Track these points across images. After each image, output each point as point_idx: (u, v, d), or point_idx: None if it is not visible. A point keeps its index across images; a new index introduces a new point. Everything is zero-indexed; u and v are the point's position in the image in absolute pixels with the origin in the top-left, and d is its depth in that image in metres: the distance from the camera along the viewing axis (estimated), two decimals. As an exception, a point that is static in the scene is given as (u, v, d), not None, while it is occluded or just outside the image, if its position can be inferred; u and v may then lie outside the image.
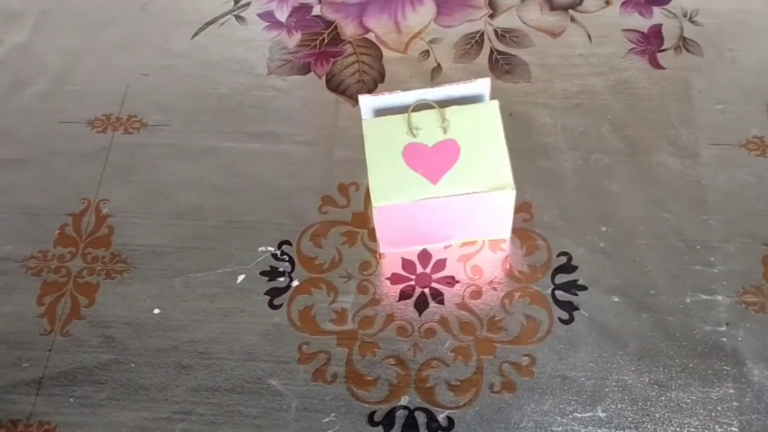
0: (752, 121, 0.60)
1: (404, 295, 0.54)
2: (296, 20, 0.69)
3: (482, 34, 0.67)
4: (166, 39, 0.69)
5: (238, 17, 0.70)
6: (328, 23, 0.69)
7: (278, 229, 0.57)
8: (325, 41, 0.68)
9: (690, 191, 0.57)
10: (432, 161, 0.51)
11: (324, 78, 0.65)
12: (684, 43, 0.65)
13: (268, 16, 0.70)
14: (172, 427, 0.50)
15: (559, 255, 0.55)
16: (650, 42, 0.65)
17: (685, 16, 0.66)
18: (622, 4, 0.68)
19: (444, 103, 0.52)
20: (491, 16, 0.68)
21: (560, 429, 0.48)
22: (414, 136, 0.51)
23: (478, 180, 0.50)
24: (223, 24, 0.70)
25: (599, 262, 0.54)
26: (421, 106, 0.51)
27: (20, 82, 0.67)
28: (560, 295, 0.53)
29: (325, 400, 0.50)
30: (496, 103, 0.52)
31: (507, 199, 0.51)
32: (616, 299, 0.52)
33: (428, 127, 0.51)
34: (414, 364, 0.51)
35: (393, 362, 0.51)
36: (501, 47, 0.66)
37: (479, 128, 0.51)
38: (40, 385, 0.52)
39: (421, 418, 0.49)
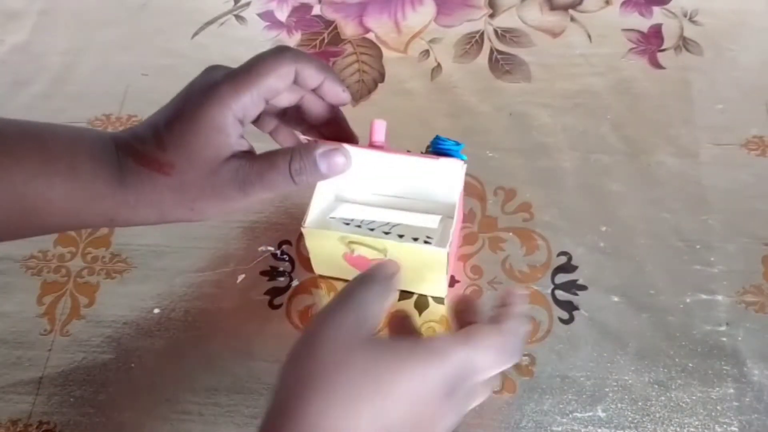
0: (752, 121, 0.60)
1: (404, 296, 0.54)
2: (296, 20, 0.69)
3: (482, 33, 0.67)
4: (166, 39, 0.69)
5: (238, 17, 0.70)
6: (328, 23, 0.69)
7: (278, 229, 0.57)
8: (325, 41, 0.68)
9: (690, 191, 0.57)
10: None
11: (324, 78, 0.65)
12: (684, 43, 0.65)
13: (268, 16, 0.70)
14: (172, 427, 0.50)
15: (559, 255, 0.55)
16: (650, 42, 0.65)
17: (685, 15, 0.66)
18: (622, 3, 0.68)
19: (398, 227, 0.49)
20: (491, 16, 0.68)
21: (560, 429, 0.48)
22: (352, 252, 0.49)
23: (415, 284, 0.52)
24: (223, 24, 0.70)
25: (599, 262, 0.54)
26: (362, 241, 0.48)
27: (20, 82, 0.67)
28: (560, 294, 0.53)
29: (325, 400, 0.50)
30: (444, 251, 0.48)
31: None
32: (616, 299, 0.52)
33: (367, 250, 0.49)
34: (414, 364, 0.51)
35: (393, 362, 0.51)
36: (501, 47, 0.66)
37: (422, 262, 0.49)
38: (40, 384, 0.52)
39: (421, 418, 0.49)
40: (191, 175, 0.43)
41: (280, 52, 0.45)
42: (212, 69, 0.46)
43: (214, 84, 0.44)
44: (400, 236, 0.49)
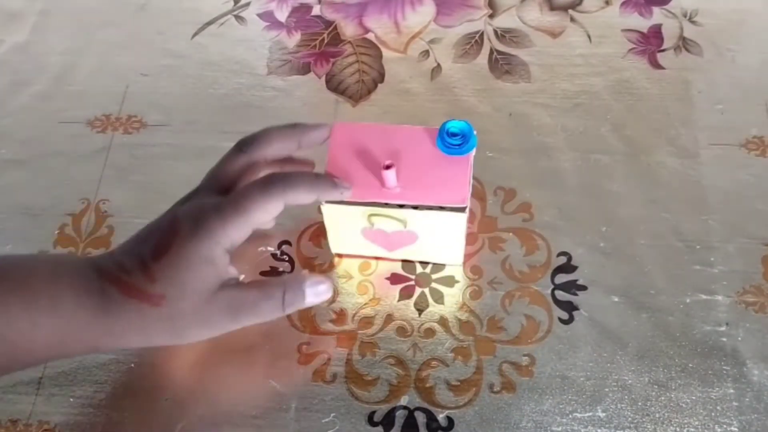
0: (752, 121, 0.60)
1: (404, 295, 0.54)
2: (296, 20, 0.69)
3: (482, 34, 0.67)
4: (166, 39, 0.69)
5: (237, 17, 0.70)
6: (328, 23, 0.69)
7: (278, 229, 0.57)
8: (325, 41, 0.68)
9: (690, 191, 0.57)
10: (389, 239, 0.52)
11: (324, 78, 0.65)
12: (684, 43, 0.65)
13: (267, 16, 0.70)
14: (172, 427, 0.50)
15: (558, 255, 0.55)
16: (650, 42, 0.65)
17: (685, 16, 0.66)
18: (622, 4, 0.68)
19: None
20: (491, 16, 0.68)
21: (560, 429, 0.48)
22: (372, 225, 0.50)
23: (432, 253, 0.53)
24: (223, 24, 0.70)
25: (599, 262, 0.54)
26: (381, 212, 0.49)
27: (20, 82, 0.67)
28: (560, 295, 0.53)
29: (325, 400, 0.50)
30: (464, 215, 0.49)
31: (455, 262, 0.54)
32: (616, 299, 0.52)
33: (387, 222, 0.50)
34: (414, 364, 0.51)
35: (393, 362, 0.51)
36: (501, 47, 0.66)
37: (441, 229, 0.50)
38: (40, 384, 0.52)
39: (420, 418, 0.49)
40: (182, 305, 0.44)
41: (267, 187, 0.45)
42: (189, 197, 0.47)
43: (201, 216, 0.44)
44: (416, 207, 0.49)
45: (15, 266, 0.45)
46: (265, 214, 0.45)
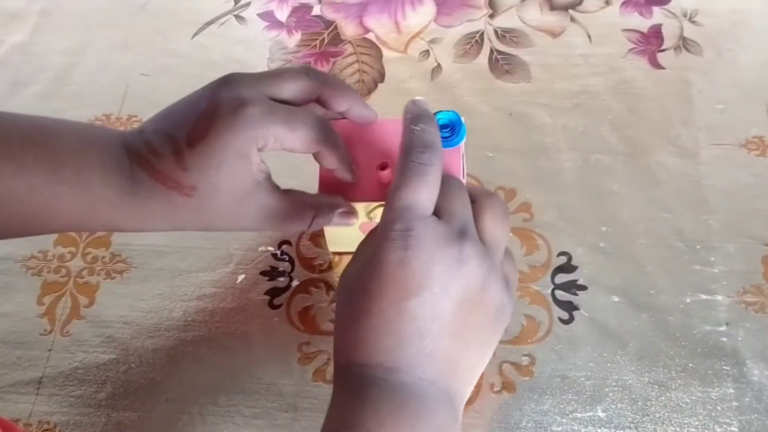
0: (752, 121, 0.60)
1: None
2: (296, 20, 0.70)
3: (482, 34, 0.67)
4: (166, 39, 0.69)
5: (238, 17, 0.70)
6: (328, 23, 0.69)
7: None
8: (325, 41, 0.68)
9: (690, 191, 0.57)
10: None
11: (324, 78, 0.65)
12: (684, 43, 0.65)
13: (268, 16, 0.70)
14: (172, 427, 0.50)
15: (559, 255, 0.55)
16: (650, 42, 0.65)
17: (685, 15, 0.66)
18: (622, 4, 0.68)
19: None
20: (491, 16, 0.68)
21: (560, 429, 0.48)
22: (371, 220, 0.50)
23: None
24: (223, 24, 0.70)
25: (599, 262, 0.54)
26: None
27: (20, 82, 0.67)
28: (560, 294, 0.53)
29: (326, 400, 0.50)
30: None
31: None
32: (616, 299, 0.53)
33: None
34: (414, 364, 0.51)
35: (393, 362, 0.51)
36: (501, 47, 0.66)
37: None
38: (40, 384, 0.52)
39: (421, 418, 0.49)
40: (213, 201, 0.43)
41: (326, 131, 0.45)
42: (233, 82, 0.44)
43: (245, 109, 0.42)
44: None
45: (41, 131, 0.43)
46: (300, 144, 0.44)
